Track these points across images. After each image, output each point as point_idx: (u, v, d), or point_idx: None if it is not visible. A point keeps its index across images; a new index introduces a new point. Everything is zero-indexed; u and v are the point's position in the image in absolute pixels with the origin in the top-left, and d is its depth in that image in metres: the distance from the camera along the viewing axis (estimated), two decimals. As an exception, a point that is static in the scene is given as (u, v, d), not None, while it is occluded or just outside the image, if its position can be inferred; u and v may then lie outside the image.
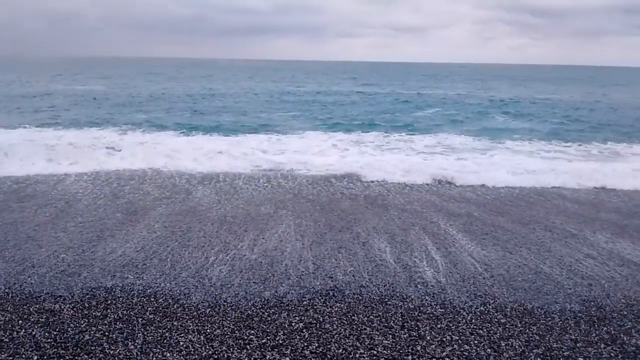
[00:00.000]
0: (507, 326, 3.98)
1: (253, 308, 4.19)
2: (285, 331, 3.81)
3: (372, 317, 4.09)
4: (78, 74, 53.66)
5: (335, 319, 4.04)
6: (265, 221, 6.58)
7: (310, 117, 20.23)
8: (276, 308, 4.21)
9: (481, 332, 3.88)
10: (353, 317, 4.07)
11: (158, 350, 3.49)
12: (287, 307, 4.22)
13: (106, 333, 3.70)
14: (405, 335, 3.78)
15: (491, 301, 4.42)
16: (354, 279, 4.82)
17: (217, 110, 22.66)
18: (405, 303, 4.34)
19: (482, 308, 4.28)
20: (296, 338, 3.72)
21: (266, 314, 4.10)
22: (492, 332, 3.88)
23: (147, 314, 4.03)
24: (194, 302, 4.27)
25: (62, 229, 6.09)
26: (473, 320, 4.06)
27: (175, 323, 3.88)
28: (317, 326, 3.90)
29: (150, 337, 3.64)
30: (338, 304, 4.30)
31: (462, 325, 3.97)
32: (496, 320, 4.07)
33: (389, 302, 4.34)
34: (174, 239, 5.85)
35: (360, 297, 4.44)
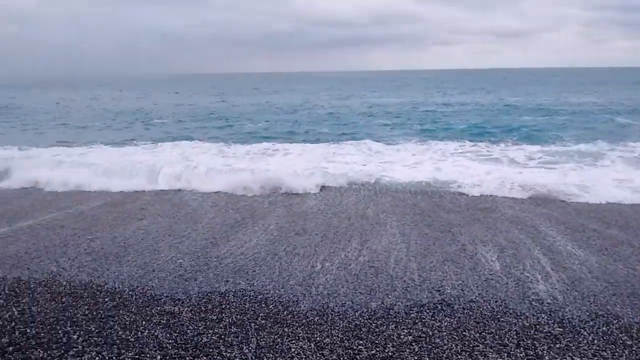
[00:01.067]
0: (633, 349, 3.68)
1: (360, 318, 4.19)
2: (394, 344, 3.77)
3: (484, 333, 3.94)
4: (200, 90, 56.96)
5: (445, 333, 3.94)
6: (368, 231, 6.59)
7: (408, 127, 20.06)
8: (383, 319, 4.18)
9: (605, 354, 3.61)
10: (464, 333, 3.95)
11: (271, 355, 3.59)
12: (394, 319, 4.18)
13: (222, 336, 3.86)
14: (521, 354, 3.61)
15: (614, 321, 4.11)
16: (462, 293, 4.69)
17: (317, 120, 23.14)
18: (520, 320, 4.14)
19: (604, 328, 3.99)
20: (406, 351, 3.67)
21: (374, 325, 4.09)
22: (617, 354, 3.61)
23: (259, 319, 4.17)
24: (303, 310, 4.35)
25: (179, 237, 6.46)
26: (595, 341, 3.79)
27: (285, 329, 3.98)
28: (427, 340, 3.83)
29: (263, 342, 3.76)
30: (447, 319, 4.19)
31: (583, 346, 3.72)
32: (621, 342, 3.78)
33: (502, 319, 4.17)
34: (281, 247, 6.01)
35: (470, 312, 4.30)
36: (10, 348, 3.67)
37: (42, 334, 3.88)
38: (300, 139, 16.93)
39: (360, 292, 4.72)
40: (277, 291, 4.75)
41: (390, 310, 4.35)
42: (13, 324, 4.07)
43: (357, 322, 4.13)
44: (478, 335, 3.91)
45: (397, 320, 4.17)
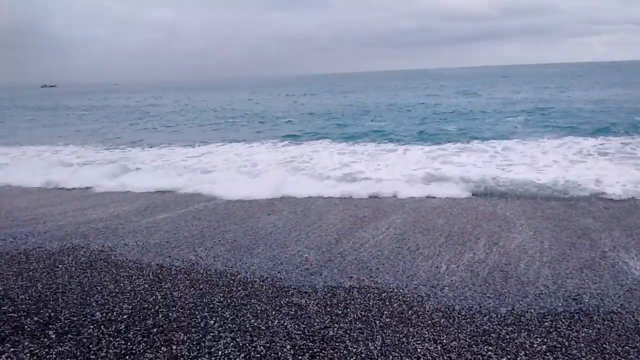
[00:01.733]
0: None
1: (489, 323, 4.04)
2: (527, 352, 3.58)
3: (627, 347, 3.62)
4: (324, 90, 58.48)
5: (583, 345, 3.67)
6: (496, 233, 6.33)
7: (540, 124, 18.94)
8: (514, 326, 3.99)
9: None
10: (604, 346, 3.65)
11: (397, 354, 3.57)
12: (526, 327, 3.97)
13: (348, 331, 3.92)
14: (674, 375, 3.27)
15: None
16: (602, 303, 4.34)
17: (444, 118, 22.65)
18: (671, 337, 3.75)
19: None
20: (540, 361, 3.48)
21: (504, 331, 3.91)
22: None
23: (384, 317, 4.17)
24: (428, 311, 4.28)
25: (305, 233, 6.66)
26: None
27: (411, 329, 3.94)
28: (563, 351, 3.59)
29: (388, 340, 3.76)
30: (585, 329, 3.90)
31: None
32: None
33: (650, 334, 3.80)
34: (405, 246, 5.96)
35: (611, 324, 3.97)
36: (154, 330, 4.00)
37: (183, 318, 4.20)
38: (427, 138, 16.62)
39: (488, 297, 4.54)
40: (401, 290, 4.73)
41: (522, 317, 4.14)
42: (157, 307, 4.43)
43: (485, 327, 3.98)
44: (620, 349, 3.60)
45: (529, 328, 3.96)
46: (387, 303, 4.45)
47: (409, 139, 16.28)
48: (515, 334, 3.86)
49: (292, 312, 4.27)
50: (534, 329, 3.94)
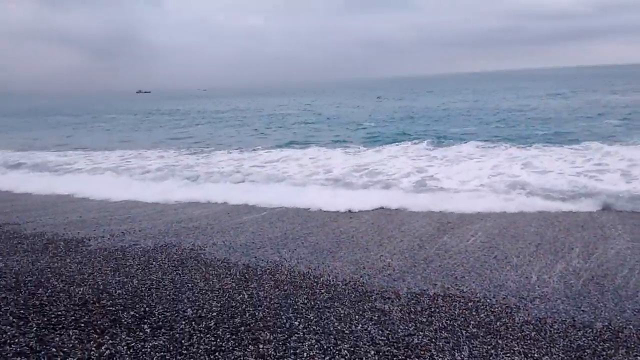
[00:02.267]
0: None
1: (584, 339, 3.83)
2: (627, 371, 3.37)
3: None
4: (410, 91, 58.07)
5: (692, 368, 3.40)
6: (592, 243, 6.00)
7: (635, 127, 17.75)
8: (611, 342, 3.76)
9: None
10: None
11: (485, 366, 3.48)
12: (624, 344, 3.73)
13: (433, 339, 3.85)
14: None
15: None
16: None
17: (529, 118, 21.80)
18: None
19: None
20: (642, 382, 3.25)
21: (599, 347, 3.70)
22: None
23: (470, 327, 4.06)
24: (517, 323, 4.12)
25: (387, 237, 6.63)
26: None
27: (499, 341, 3.81)
28: (668, 373, 3.34)
29: (476, 352, 3.65)
30: (694, 351, 3.61)
31: None
32: None
33: None
34: (492, 254, 5.78)
35: None
36: (242, 328, 4.11)
37: (269, 318, 4.29)
38: (515, 140, 16.01)
39: (583, 310, 4.31)
40: (488, 300, 4.58)
41: (620, 334, 3.89)
42: (244, 306, 4.56)
43: (579, 342, 3.78)
44: None
45: (629, 345, 3.72)
46: (474, 313, 4.33)
47: (494, 141, 15.73)
48: (613, 351, 3.64)
49: (376, 318, 4.26)
50: (633, 346, 3.70)
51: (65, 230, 7.53)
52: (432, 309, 4.41)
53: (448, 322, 4.16)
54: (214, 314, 4.36)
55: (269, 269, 5.58)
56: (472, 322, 4.14)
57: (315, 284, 5.08)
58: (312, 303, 4.58)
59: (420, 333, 3.96)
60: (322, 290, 4.89)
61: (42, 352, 3.56)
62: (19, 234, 7.34)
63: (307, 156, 14.49)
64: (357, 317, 4.29)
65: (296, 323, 4.17)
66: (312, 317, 4.27)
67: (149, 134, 26.92)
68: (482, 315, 4.28)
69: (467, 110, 29.47)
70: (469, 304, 4.51)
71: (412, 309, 4.42)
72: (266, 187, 10.40)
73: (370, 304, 4.55)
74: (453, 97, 46.79)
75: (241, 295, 4.80)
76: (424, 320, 4.20)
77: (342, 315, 4.33)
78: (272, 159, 14.39)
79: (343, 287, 4.99)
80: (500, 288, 4.84)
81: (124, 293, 4.86)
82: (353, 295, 4.76)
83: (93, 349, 3.65)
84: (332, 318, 4.26)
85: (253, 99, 73.21)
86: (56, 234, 7.29)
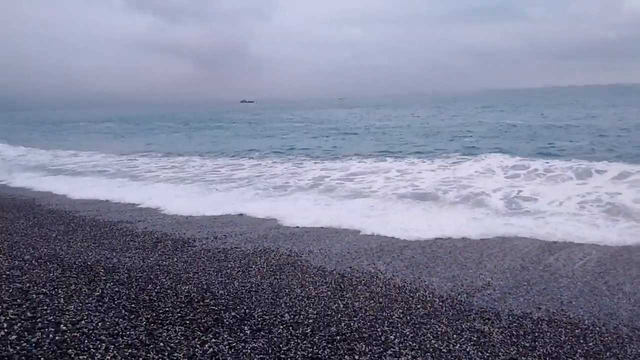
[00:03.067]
0: None
1: None
2: None
3: None
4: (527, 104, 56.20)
5: None
6: None
7: None
8: None
9: None
10: None
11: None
12: None
13: (537, 366, 3.67)
14: None
15: None
16: None
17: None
18: None
19: None
20: None
21: None
22: None
23: (577, 356, 3.82)
24: (630, 355, 3.83)
25: (487, 255, 6.43)
26: None
27: (611, 375, 3.56)
28: None
29: (584, 383, 3.44)
30: None
31: None
32: None
33: None
34: (602, 280, 5.42)
35: None
36: (338, 337, 4.14)
37: (364, 329, 4.29)
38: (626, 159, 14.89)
39: None
40: (597, 328, 4.30)
41: None
42: (339, 315, 4.60)
43: None
44: None
45: None
46: (581, 341, 4.08)
47: (601, 159, 14.65)
48: None
49: (475, 338, 4.12)
50: None
51: (173, 230, 8.00)
52: (536, 334, 4.20)
53: (553, 348, 3.94)
54: (311, 320, 4.42)
55: (364, 279, 5.58)
56: (579, 351, 3.90)
57: (411, 298, 5.02)
58: (408, 318, 4.53)
59: (523, 358, 3.79)
60: (418, 306, 4.81)
61: (151, 346, 3.78)
62: (132, 232, 7.90)
63: (399, 168, 14.33)
64: (455, 336, 4.18)
65: (392, 337, 4.13)
66: (408, 332, 4.22)
67: (250, 141, 27.92)
68: (590, 344, 4.02)
69: (576, 125, 27.79)
70: (576, 331, 4.25)
71: (514, 332, 4.24)
72: (351, 203, 10.07)
73: (468, 324, 4.42)
74: (562, 109, 44.44)
75: (336, 304, 4.84)
76: (527, 345, 4.01)
77: (439, 332, 4.24)
78: (364, 171, 14.35)
79: (440, 303, 4.89)
80: (611, 317, 4.52)
81: (226, 293, 5.07)
82: (450, 313, 4.65)
83: (197, 346, 3.83)
84: (429, 335, 4.18)
85: (351, 109, 73.80)
86: (165, 233, 7.76)
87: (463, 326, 4.37)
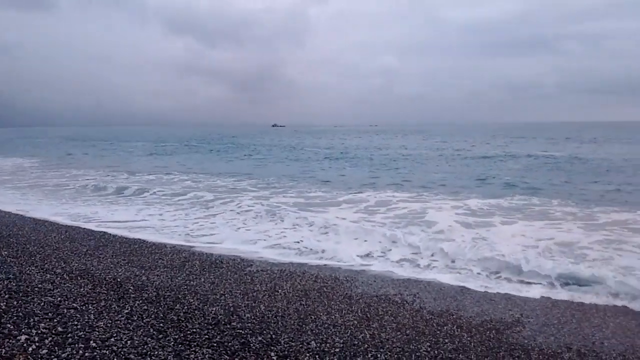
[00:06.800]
0: None
1: None
2: None
3: None
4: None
5: None
6: None
7: None
8: None
9: None
10: None
11: None
12: None
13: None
14: None
15: None
16: None
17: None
18: None
19: None
20: None
21: None
22: None
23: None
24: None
25: (514, 289, 6.32)
26: None
27: None
28: None
29: None
30: None
31: None
32: None
33: None
34: None
35: None
36: (364, 367, 4.10)
37: (390, 361, 4.24)
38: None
39: None
40: (632, 374, 4.17)
41: None
42: (366, 345, 4.54)
43: None
44: None
45: None
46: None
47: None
48: None
49: (504, 377, 4.04)
50: None
51: (200, 250, 8.07)
52: (568, 376, 4.09)
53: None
54: (337, 349, 4.39)
55: (390, 310, 5.53)
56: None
57: (438, 332, 4.94)
58: (436, 352, 4.45)
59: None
60: (446, 340, 4.74)
61: (179, 367, 3.80)
62: (160, 250, 7.99)
63: (418, 203, 13.87)
64: (486, 372, 4.10)
65: (419, 371, 4.07)
66: (436, 367, 4.15)
67: (287, 167, 27.72)
68: (626, 390, 3.90)
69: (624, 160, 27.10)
70: (611, 376, 4.13)
71: (545, 373, 4.13)
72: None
73: (497, 361, 4.33)
74: (606, 146, 43.71)
75: (363, 334, 4.79)
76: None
77: None
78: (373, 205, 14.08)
79: (469, 338, 4.80)
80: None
81: (252, 317, 5.07)
82: (479, 349, 4.56)
83: (224, 370, 3.84)
84: (457, 371, 4.11)
85: (382, 136, 73.83)
86: (192, 253, 7.83)
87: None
